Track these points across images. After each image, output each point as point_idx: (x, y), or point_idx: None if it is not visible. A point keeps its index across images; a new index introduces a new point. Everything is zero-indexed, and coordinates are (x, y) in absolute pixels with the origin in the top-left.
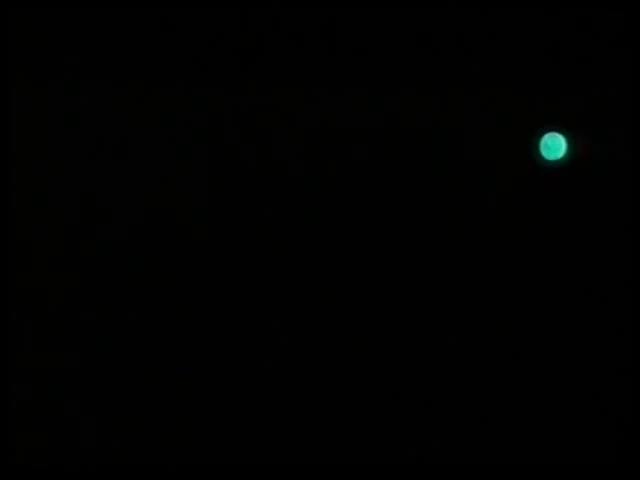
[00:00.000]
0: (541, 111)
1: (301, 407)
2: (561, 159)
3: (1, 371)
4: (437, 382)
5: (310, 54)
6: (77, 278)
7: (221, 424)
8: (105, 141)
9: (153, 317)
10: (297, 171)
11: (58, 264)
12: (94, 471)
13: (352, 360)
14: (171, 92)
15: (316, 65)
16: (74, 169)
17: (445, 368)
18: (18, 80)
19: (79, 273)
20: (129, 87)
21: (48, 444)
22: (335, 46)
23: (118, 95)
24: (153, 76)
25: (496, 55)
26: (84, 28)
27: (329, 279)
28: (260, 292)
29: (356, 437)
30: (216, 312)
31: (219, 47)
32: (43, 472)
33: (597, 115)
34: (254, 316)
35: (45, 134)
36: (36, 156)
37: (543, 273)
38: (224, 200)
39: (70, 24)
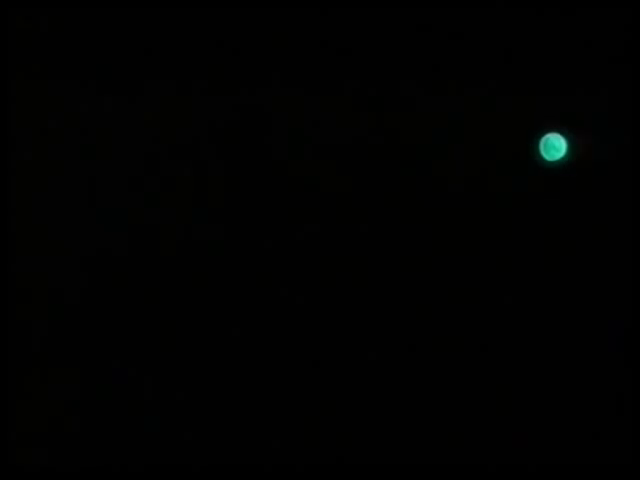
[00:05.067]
0: (541, 111)
1: (301, 407)
2: (561, 159)
3: (1, 371)
4: (437, 382)
5: (309, 55)
6: (77, 278)
7: (221, 424)
8: (105, 141)
9: (153, 317)
10: (296, 170)
11: (58, 264)
12: (94, 471)
13: (352, 360)
14: (171, 92)
15: (316, 66)
16: (74, 169)
17: (445, 368)
18: (18, 80)
19: (79, 273)
20: (129, 87)
21: (48, 444)
22: (334, 46)
23: (118, 95)
24: (153, 76)
25: (496, 55)
26: (84, 28)
27: (328, 280)
28: (259, 293)
29: (356, 437)
30: (216, 312)
31: (219, 47)
32: (43, 472)
33: (597, 115)
34: (253, 317)
35: (45, 134)
36: (36, 156)
37: (543, 273)
38: (225, 199)
39: (70, 24)
